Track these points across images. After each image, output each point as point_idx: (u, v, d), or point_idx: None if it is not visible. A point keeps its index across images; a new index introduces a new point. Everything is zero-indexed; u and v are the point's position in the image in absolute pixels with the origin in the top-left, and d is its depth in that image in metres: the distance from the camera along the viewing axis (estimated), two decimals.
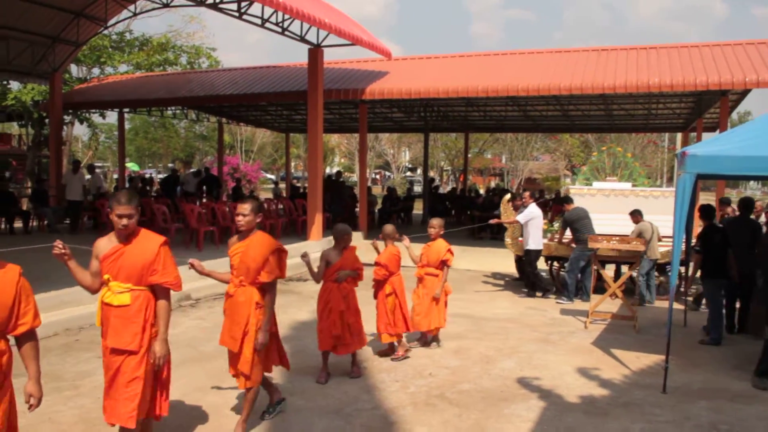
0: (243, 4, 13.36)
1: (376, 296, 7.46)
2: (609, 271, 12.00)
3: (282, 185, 33.97)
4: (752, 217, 9.86)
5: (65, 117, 25.26)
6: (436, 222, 8.16)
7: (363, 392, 6.41)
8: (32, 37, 18.13)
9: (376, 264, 7.37)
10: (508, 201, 12.44)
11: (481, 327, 9.26)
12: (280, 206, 18.29)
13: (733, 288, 9.14)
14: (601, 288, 11.26)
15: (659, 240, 11.26)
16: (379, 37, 16.50)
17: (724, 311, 8.96)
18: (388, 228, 7.57)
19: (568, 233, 11.63)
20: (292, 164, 57.40)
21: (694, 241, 9.81)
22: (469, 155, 36.02)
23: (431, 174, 50.75)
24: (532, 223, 11.46)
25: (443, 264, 7.95)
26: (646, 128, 28.12)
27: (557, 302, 11.09)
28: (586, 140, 40.91)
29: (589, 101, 19.25)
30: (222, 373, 6.85)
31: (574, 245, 11.48)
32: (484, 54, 19.61)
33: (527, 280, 11.98)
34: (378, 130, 36.25)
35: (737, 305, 9.35)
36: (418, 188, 36.74)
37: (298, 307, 9.81)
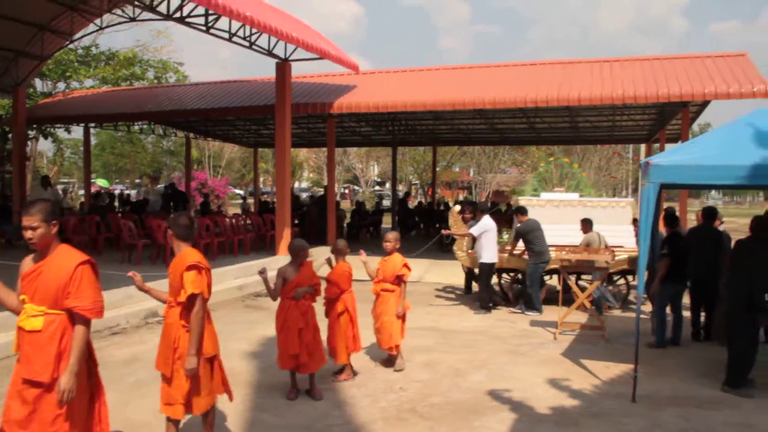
0: (210, 18, 13.30)
1: (327, 315, 7.15)
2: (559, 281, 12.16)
3: (250, 200, 33.76)
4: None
5: (29, 132, 24.89)
6: (391, 236, 7.81)
7: (333, 408, 6.36)
8: None
9: (327, 281, 7.07)
10: (458, 213, 12.22)
11: (450, 340, 9.26)
12: (248, 221, 18.17)
13: (696, 295, 9.33)
14: (569, 299, 11.33)
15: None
16: (348, 51, 16.53)
17: (669, 317, 9.13)
18: (340, 243, 7.35)
19: (520, 244, 11.61)
20: (261, 179, 57.24)
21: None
22: (438, 169, 36.16)
23: (400, 187, 50.90)
24: (486, 236, 11.27)
25: (399, 279, 7.58)
26: (611, 140, 28.51)
27: (526, 314, 11.08)
28: (553, 152, 41.33)
29: (554, 113, 19.45)
30: None
31: (526, 257, 11.49)
32: (452, 68, 19.73)
33: (480, 294, 11.72)
34: (346, 145, 36.23)
35: (701, 313, 9.51)
36: (387, 202, 36.77)
37: (266, 323, 9.73)
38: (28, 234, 3.91)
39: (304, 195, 50.88)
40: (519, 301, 11.64)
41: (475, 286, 12.85)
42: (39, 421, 3.86)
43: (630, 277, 12.15)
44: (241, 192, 52.45)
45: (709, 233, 9.43)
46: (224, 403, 6.30)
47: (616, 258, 10.87)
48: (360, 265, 7.63)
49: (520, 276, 12.07)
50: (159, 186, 46.54)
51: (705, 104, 17.11)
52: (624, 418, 6.16)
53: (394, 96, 16.80)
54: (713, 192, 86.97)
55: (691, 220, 16.36)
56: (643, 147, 30.16)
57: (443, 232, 12.57)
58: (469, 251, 11.91)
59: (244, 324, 10.14)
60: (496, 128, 23.45)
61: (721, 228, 10.48)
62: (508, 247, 11.86)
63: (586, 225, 11.40)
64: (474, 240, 11.62)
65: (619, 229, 12.21)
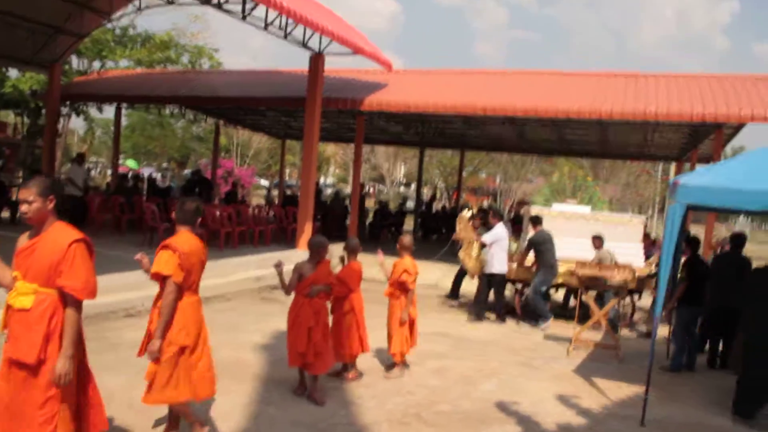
0: (247, 6, 13.33)
1: (332, 312, 6.95)
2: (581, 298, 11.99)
3: (275, 192, 33.88)
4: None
5: (62, 109, 25.15)
6: (406, 239, 7.53)
7: (339, 407, 6.33)
8: (34, 25, 18.02)
9: (336, 279, 6.87)
10: (469, 219, 11.79)
11: (463, 347, 9.20)
12: (271, 213, 18.21)
13: (716, 322, 9.16)
14: (584, 315, 11.20)
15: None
16: (382, 49, 16.47)
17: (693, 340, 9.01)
18: (352, 241, 7.27)
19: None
20: (287, 171, 57.39)
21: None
22: (464, 173, 36.01)
23: (425, 190, 50.76)
24: (498, 245, 11.05)
25: (401, 285, 7.33)
26: (641, 156, 28.15)
27: (541, 328, 10.88)
28: (581, 165, 41.01)
29: (585, 126, 19.25)
30: None
31: (534, 268, 11.30)
32: (485, 72, 19.62)
33: (484, 303, 11.37)
34: (374, 142, 36.16)
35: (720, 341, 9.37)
36: (411, 203, 36.70)
37: (280, 316, 9.69)
38: (24, 207, 3.82)
39: (328, 190, 51.01)
40: (527, 316, 11.41)
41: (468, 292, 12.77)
42: (28, 404, 3.77)
43: (636, 297, 11.99)
44: (267, 183, 52.65)
45: (734, 260, 9.26)
46: (230, 392, 6.31)
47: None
48: (373, 263, 7.62)
49: (525, 288, 11.89)
50: (186, 171, 46.83)
51: (740, 126, 16.80)
52: None
53: (425, 97, 16.73)
54: (741, 217, 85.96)
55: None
56: (673, 166, 29.79)
57: (454, 237, 12.16)
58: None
59: (259, 316, 10.15)
60: (525, 137, 23.28)
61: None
62: (518, 258, 11.68)
63: (599, 241, 11.27)
64: (482, 247, 11.36)
65: (629, 246, 12.02)
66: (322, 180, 58.66)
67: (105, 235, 15.28)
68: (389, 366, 7.63)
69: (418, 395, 6.85)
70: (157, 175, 39.72)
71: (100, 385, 4.34)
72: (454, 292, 13.24)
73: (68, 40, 19.16)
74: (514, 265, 11.67)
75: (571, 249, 11.52)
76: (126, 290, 9.47)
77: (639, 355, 9.42)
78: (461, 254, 11.70)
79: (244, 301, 11.30)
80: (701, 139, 18.36)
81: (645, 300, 12.61)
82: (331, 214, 21.23)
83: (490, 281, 11.22)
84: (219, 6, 13.06)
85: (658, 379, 7.96)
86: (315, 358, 6.29)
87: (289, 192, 30.35)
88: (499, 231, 11.13)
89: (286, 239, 17.14)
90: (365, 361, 7.56)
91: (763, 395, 6.87)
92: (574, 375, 8.22)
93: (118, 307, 9.24)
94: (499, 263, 11.06)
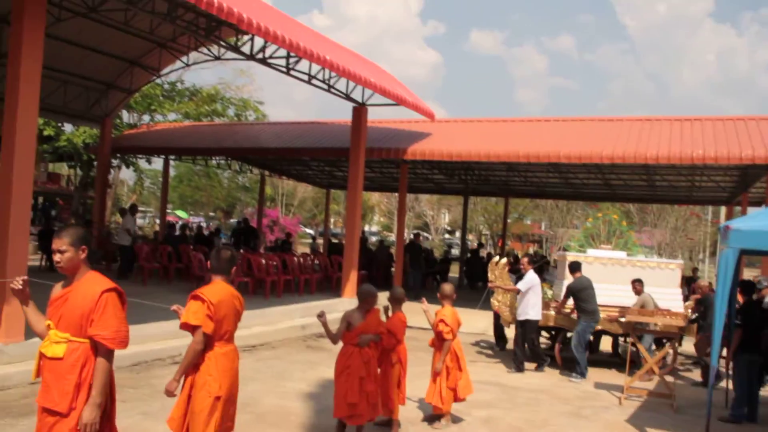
0: (291, 60, 13.63)
1: (380, 364, 6.74)
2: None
3: (320, 240, 34.10)
4: None
5: (113, 161, 25.88)
6: (446, 288, 7.48)
7: None
8: (88, 82, 18.71)
9: (386, 330, 6.71)
10: (503, 264, 11.61)
11: (511, 397, 9.03)
12: (316, 261, 18.29)
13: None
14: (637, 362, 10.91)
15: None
16: (424, 98, 16.66)
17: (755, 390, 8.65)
18: (398, 291, 7.14)
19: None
20: (332, 220, 57.81)
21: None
22: (509, 220, 35.83)
23: (470, 237, 50.52)
24: (532, 291, 10.87)
25: (439, 336, 7.22)
26: (689, 200, 27.69)
27: (570, 380, 10.41)
28: (628, 210, 40.45)
29: (630, 171, 19.05)
30: (244, 427, 6.75)
31: (573, 316, 11.07)
32: (527, 120, 19.65)
33: (522, 352, 11.00)
34: (418, 191, 36.28)
35: None
36: (456, 251, 36.54)
37: (326, 364, 9.67)
38: (56, 257, 3.85)
39: (373, 238, 51.18)
40: (567, 365, 11.04)
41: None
42: None
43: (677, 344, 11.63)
44: (312, 231, 53.05)
45: None
46: None
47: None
48: (417, 311, 7.54)
49: (563, 335, 11.65)
50: (232, 220, 47.50)
51: None
52: None
53: (468, 145, 16.79)
54: None
55: None
56: (723, 209, 29.21)
57: (490, 285, 11.74)
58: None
59: (304, 364, 10.12)
60: (569, 182, 23.12)
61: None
62: (555, 305, 11.46)
63: (639, 285, 11.00)
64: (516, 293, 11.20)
65: (668, 291, 11.68)
66: (366, 228, 58.91)
67: (153, 284, 15.52)
68: (430, 417, 7.44)
69: None
70: (204, 224, 40.31)
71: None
72: (500, 341, 13.04)
73: (119, 95, 19.81)
74: (552, 312, 11.46)
75: (610, 295, 11.26)
76: (172, 338, 9.56)
77: (695, 405, 9.13)
78: (494, 301, 11.54)
79: (290, 349, 11.29)
80: (751, 182, 18.00)
81: (685, 346, 12.32)
82: (376, 263, 21.23)
83: (525, 328, 10.93)
84: (264, 60, 13.37)
85: (717, 430, 7.69)
86: (368, 407, 6.21)
87: (335, 240, 30.47)
88: (533, 277, 10.96)
89: (332, 288, 17.16)
90: (409, 411, 7.45)
91: None
92: (627, 425, 7.97)
93: (165, 355, 9.33)
94: (533, 310, 10.84)
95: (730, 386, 8.97)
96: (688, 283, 19.94)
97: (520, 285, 10.89)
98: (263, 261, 15.51)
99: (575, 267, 11.04)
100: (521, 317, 10.88)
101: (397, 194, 22.73)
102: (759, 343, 8.59)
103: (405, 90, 16.26)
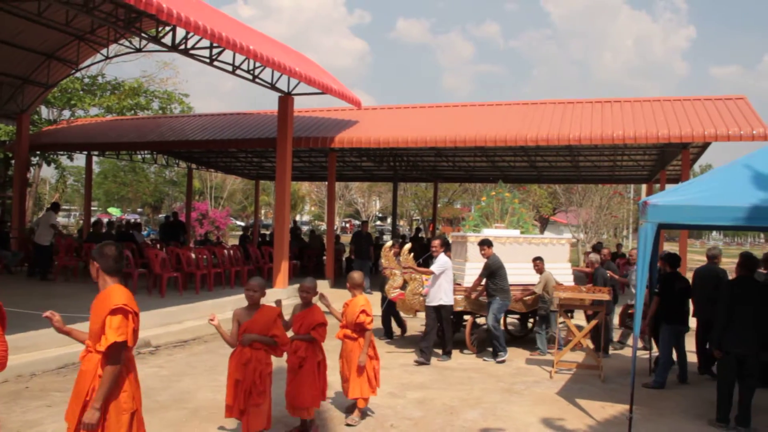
0: (214, 51, 13.43)
1: (303, 363, 6.33)
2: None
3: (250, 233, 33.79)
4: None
5: (33, 158, 25.02)
6: (356, 277, 7.05)
7: None
8: (1, 77, 18.02)
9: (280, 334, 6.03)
10: (390, 249, 11.01)
11: (445, 377, 9.17)
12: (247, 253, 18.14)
13: (703, 336, 9.32)
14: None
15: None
16: (351, 87, 16.71)
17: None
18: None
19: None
20: (263, 212, 57.29)
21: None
22: (439, 205, 36.18)
23: (401, 223, 50.78)
24: (446, 276, 10.20)
25: (360, 327, 6.78)
26: (612, 180, 28.56)
27: (497, 362, 10.17)
28: (554, 191, 41.37)
29: (555, 152, 19.53)
30: (178, 423, 6.69)
31: (483, 299, 10.74)
32: (453, 105, 19.88)
33: (438, 338, 10.33)
34: (348, 179, 36.39)
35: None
36: (387, 237, 36.74)
37: None
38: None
39: (304, 228, 50.87)
40: (484, 348, 10.81)
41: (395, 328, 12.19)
42: None
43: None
44: (243, 224, 52.55)
45: (711, 273, 9.43)
46: None
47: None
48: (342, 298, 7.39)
49: (472, 321, 11.17)
50: (160, 215, 46.59)
51: (705, 146, 17.17)
52: None
53: (395, 132, 16.89)
54: (714, 233, 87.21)
55: (695, 261, 16.31)
56: (644, 187, 30.21)
57: (383, 272, 11.11)
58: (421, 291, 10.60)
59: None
60: (497, 166, 23.53)
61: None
62: (474, 285, 10.79)
63: (541, 263, 10.95)
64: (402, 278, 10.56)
65: (559, 266, 11.84)
66: (298, 218, 58.63)
67: (78, 282, 15.15)
68: (349, 408, 7.17)
69: (402, 428, 6.80)
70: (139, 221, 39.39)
71: None
72: (390, 332, 12.10)
73: (36, 90, 19.16)
74: (458, 296, 10.80)
75: (511, 274, 10.76)
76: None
77: (621, 374, 9.46)
78: (389, 289, 10.85)
79: (223, 342, 11.14)
80: (668, 160, 18.69)
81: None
82: (308, 253, 21.22)
83: (439, 314, 10.25)
84: (186, 52, 13.13)
85: (643, 397, 8.02)
86: (255, 416, 5.66)
87: (266, 231, 30.26)
88: (446, 260, 10.29)
89: (263, 279, 17.03)
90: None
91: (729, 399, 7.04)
92: (558, 398, 8.21)
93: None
94: (447, 294, 10.20)
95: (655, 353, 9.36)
96: (614, 258, 20.59)
97: (434, 268, 10.17)
98: (193, 255, 15.31)
99: (488, 244, 10.63)
100: (434, 303, 10.17)
101: (327, 183, 22.69)
102: (682, 314, 9.00)
103: (331, 79, 16.23)
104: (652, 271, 8.91)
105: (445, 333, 10.37)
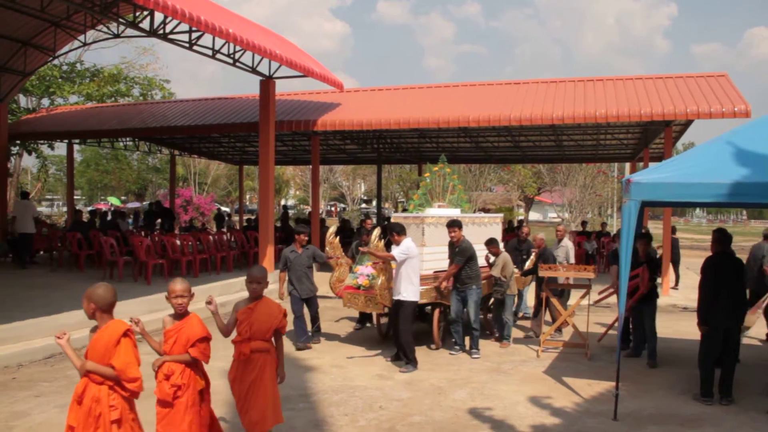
0: (193, 35, 13.27)
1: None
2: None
3: (236, 218, 33.71)
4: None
5: (12, 148, 24.73)
6: (257, 273, 5.38)
7: (311, 427, 6.28)
8: None
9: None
10: (334, 235, 9.83)
11: (433, 358, 9.20)
12: (232, 239, 18.07)
13: None
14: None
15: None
16: (334, 70, 16.63)
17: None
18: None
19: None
20: (248, 196, 57.10)
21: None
22: None
23: (387, 205, 50.76)
24: (410, 264, 8.52)
25: (277, 334, 5.40)
26: (596, 158, 28.68)
27: (474, 357, 9.27)
28: (539, 171, 41.51)
29: (539, 132, 19.54)
30: None
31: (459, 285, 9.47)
32: (436, 86, 19.81)
33: (398, 342, 8.78)
34: (332, 162, 36.29)
35: None
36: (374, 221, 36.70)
37: None
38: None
39: (290, 212, 50.67)
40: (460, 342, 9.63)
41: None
42: None
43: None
44: (227, 209, 52.36)
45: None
46: None
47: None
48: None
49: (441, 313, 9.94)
50: (144, 203, 46.30)
51: (688, 123, 17.24)
52: None
53: (378, 114, 16.83)
54: (697, 210, 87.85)
55: (682, 239, 16.41)
56: (627, 165, 30.36)
57: (329, 260, 10.01)
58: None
59: (225, 342, 9.98)
60: (481, 146, 23.53)
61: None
62: (451, 272, 9.42)
63: (495, 246, 10.10)
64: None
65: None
66: (282, 202, 58.48)
67: (63, 273, 15.09)
68: None
69: (390, 409, 6.82)
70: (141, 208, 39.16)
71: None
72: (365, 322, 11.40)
73: (13, 78, 18.88)
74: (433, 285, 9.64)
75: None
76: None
77: (607, 352, 9.53)
78: (335, 280, 9.87)
79: (210, 327, 11.13)
80: (651, 138, 18.76)
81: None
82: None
83: (405, 310, 8.64)
84: (165, 36, 12.97)
85: (628, 373, 8.08)
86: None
87: (252, 217, 30.21)
88: (409, 245, 8.65)
89: (249, 264, 17.02)
90: (343, 379, 7.49)
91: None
92: (545, 376, 8.26)
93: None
94: (413, 288, 8.61)
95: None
96: (599, 236, 20.73)
97: (396, 252, 8.53)
98: (178, 241, 15.24)
99: (459, 226, 9.38)
100: (402, 297, 8.58)
101: (311, 167, 22.62)
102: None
103: (312, 61, 16.11)
104: (635, 250, 8.96)
105: (401, 336, 8.58)
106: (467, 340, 9.70)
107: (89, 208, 23.45)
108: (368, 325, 11.58)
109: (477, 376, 8.24)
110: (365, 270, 9.61)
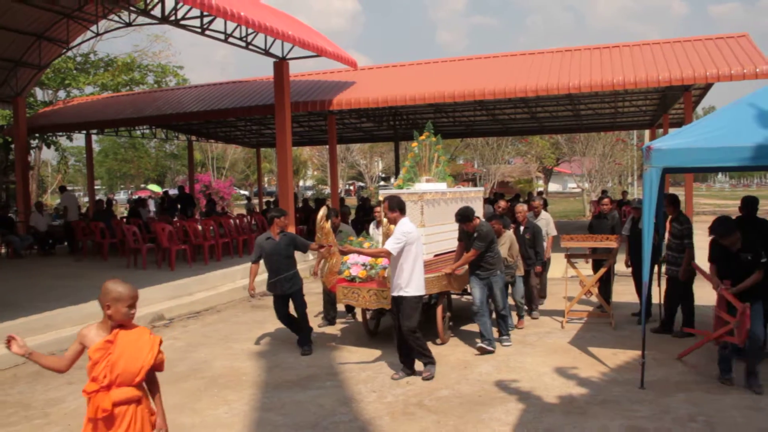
0: (205, 20, 13.28)
1: None
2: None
3: (255, 201, 33.82)
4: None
5: (32, 141, 24.95)
6: (131, 292, 3.62)
7: (339, 404, 6.33)
8: None
9: None
10: (325, 218, 8.09)
11: (456, 333, 9.22)
12: (253, 222, 18.16)
13: None
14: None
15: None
16: (346, 48, 16.56)
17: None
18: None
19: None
20: (266, 179, 57.24)
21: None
22: None
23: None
24: (410, 252, 6.99)
25: (151, 374, 3.75)
26: (614, 127, 28.39)
27: (504, 345, 8.45)
28: (557, 141, 41.17)
29: (556, 102, 19.38)
30: (197, 392, 6.76)
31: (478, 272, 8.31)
32: (450, 60, 19.67)
33: (409, 345, 7.12)
34: (348, 141, 36.22)
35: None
36: None
37: (272, 322, 9.66)
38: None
39: (308, 193, 50.80)
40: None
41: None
42: None
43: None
44: (246, 192, 52.51)
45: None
46: (229, 402, 6.32)
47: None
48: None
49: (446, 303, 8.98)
50: (164, 189, 46.63)
51: (708, 87, 17.00)
52: (632, 404, 6.10)
53: (393, 90, 16.76)
54: (719, 175, 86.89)
55: (701, 204, 16.19)
56: (647, 132, 30.03)
57: (313, 246, 8.49)
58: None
59: (250, 324, 10.12)
60: (498, 119, 23.39)
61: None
62: (468, 259, 8.26)
63: (499, 224, 9.27)
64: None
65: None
66: (300, 183, 58.61)
67: (87, 262, 15.30)
68: None
69: (417, 384, 6.86)
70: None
71: None
72: (327, 317, 10.13)
73: (29, 72, 19.02)
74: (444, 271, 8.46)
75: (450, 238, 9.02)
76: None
77: (632, 321, 9.50)
78: (325, 272, 8.46)
79: (235, 311, 11.26)
80: (670, 104, 18.55)
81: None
82: (313, 217, 21.24)
83: (410, 307, 7.06)
84: (177, 22, 12.99)
85: (654, 341, 8.07)
86: None
87: (271, 199, 30.35)
88: (409, 228, 7.07)
89: None
90: (355, 352, 7.52)
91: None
92: (570, 347, 8.25)
93: None
94: (417, 281, 7.07)
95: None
96: (620, 205, 20.54)
97: (390, 244, 6.97)
98: (199, 226, 15.34)
99: (467, 217, 8.19)
100: (393, 292, 7.16)
101: (327, 146, 22.62)
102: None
103: (325, 41, 16.06)
104: (658, 217, 8.83)
105: (409, 339, 7.07)
106: (494, 331, 8.56)
107: (134, 197, 23.78)
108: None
109: (502, 349, 8.24)
110: (358, 258, 8.30)
